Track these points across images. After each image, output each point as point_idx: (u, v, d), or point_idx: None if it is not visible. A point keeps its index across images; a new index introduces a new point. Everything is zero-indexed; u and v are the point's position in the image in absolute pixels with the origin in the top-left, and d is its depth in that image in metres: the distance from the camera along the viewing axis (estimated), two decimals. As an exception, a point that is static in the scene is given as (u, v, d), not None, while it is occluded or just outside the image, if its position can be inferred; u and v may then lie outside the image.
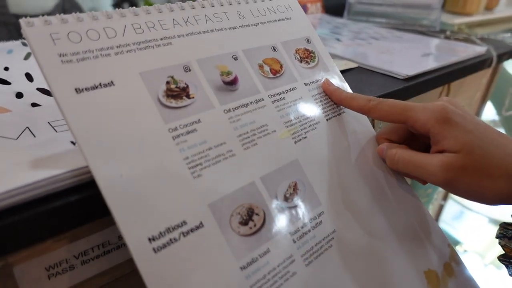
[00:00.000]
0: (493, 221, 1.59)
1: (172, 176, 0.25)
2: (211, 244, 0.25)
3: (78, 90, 0.25)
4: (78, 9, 1.32)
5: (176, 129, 0.27)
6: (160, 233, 0.23)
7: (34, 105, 0.34)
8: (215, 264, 0.25)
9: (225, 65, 0.32)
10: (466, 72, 0.62)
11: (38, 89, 0.36)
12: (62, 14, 0.27)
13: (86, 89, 0.25)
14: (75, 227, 0.26)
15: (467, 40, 0.74)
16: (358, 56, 0.59)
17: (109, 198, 0.23)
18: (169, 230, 0.24)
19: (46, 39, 0.25)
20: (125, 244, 0.23)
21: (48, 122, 0.31)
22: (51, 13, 1.25)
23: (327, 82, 0.37)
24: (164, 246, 0.23)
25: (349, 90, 0.39)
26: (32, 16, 0.24)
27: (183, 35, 0.31)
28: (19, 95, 0.35)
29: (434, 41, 0.72)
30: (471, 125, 0.30)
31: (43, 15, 0.26)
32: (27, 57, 0.42)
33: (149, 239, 0.23)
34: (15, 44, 0.44)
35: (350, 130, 0.37)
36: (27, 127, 0.30)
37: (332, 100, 0.37)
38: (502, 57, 0.69)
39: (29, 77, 0.38)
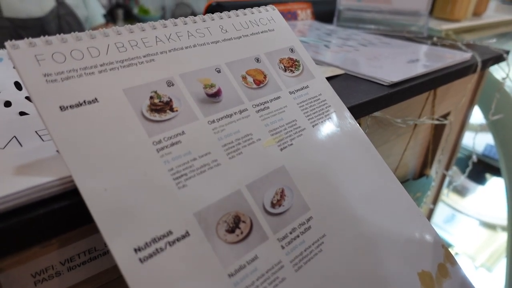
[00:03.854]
0: (484, 224, 1.61)
1: (156, 187, 0.26)
2: (198, 252, 0.26)
3: (62, 108, 0.26)
4: (73, 15, 1.33)
5: (160, 141, 0.28)
6: (146, 243, 0.24)
7: (22, 113, 0.34)
8: (202, 272, 0.25)
9: (208, 78, 0.33)
10: (451, 78, 0.63)
11: (27, 97, 0.37)
12: (46, 36, 0.28)
13: (70, 106, 0.26)
14: (61, 234, 0.27)
15: (453, 46, 0.76)
16: (345, 62, 0.60)
17: (94, 211, 0.23)
18: (155, 240, 0.25)
19: (31, 60, 0.26)
20: (109, 249, 0.23)
21: (36, 131, 0.31)
22: (45, 17, 1.25)
23: None
24: (150, 256, 0.24)
25: (334, 94, 0.40)
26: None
27: (166, 52, 0.32)
28: (8, 104, 0.35)
29: (421, 48, 0.73)
30: None
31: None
32: (16, 65, 0.42)
33: (135, 250, 0.24)
34: (4, 52, 0.44)
35: (337, 134, 0.37)
36: (14, 136, 0.30)
37: None
38: (487, 63, 0.71)
39: (18, 85, 0.38)
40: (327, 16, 0.94)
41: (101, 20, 1.44)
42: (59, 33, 0.28)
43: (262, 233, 0.29)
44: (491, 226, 1.56)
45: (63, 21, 1.26)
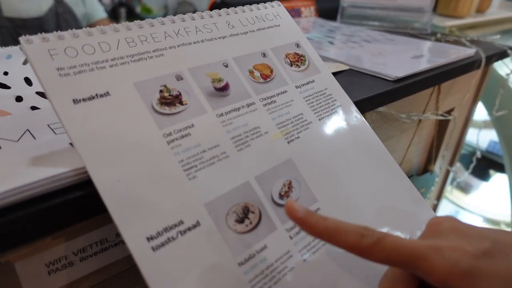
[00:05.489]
0: (488, 220, 1.61)
1: (168, 178, 0.27)
2: (208, 241, 0.26)
3: (75, 101, 0.26)
4: (71, 13, 1.34)
5: (170, 134, 0.28)
6: (158, 232, 0.25)
7: (33, 108, 0.35)
8: (213, 261, 0.26)
9: (216, 73, 0.34)
10: (455, 74, 0.64)
11: (37, 92, 0.38)
12: (59, 32, 0.28)
13: (83, 99, 0.27)
14: (74, 225, 0.27)
15: (457, 42, 0.76)
16: (350, 58, 0.60)
17: (107, 202, 0.24)
18: (166, 229, 0.25)
19: (44, 54, 0.27)
20: (122, 242, 0.24)
21: (48, 125, 0.32)
22: (44, 16, 1.26)
23: (291, 209, 0.25)
24: (163, 244, 0.25)
25: (340, 89, 0.41)
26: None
27: (174, 46, 0.33)
28: (19, 98, 0.36)
29: (425, 44, 0.73)
30: (507, 260, 0.23)
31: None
32: (25, 62, 0.43)
33: (148, 239, 0.24)
34: (14, 49, 0.45)
35: (343, 127, 0.38)
36: (27, 130, 0.31)
37: (306, 232, 0.26)
38: (491, 59, 0.71)
39: (28, 81, 0.39)
40: (331, 13, 0.94)
41: (103, 14, 1.44)
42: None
43: (271, 224, 0.29)
44: (495, 223, 1.56)
45: (61, 19, 1.26)
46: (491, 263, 0.23)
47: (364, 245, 0.24)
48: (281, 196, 0.31)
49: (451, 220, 0.26)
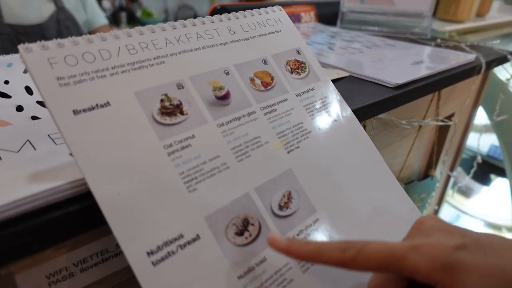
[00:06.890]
0: (489, 224, 1.60)
1: (168, 191, 0.27)
2: (208, 255, 0.26)
3: (76, 112, 0.26)
4: (72, 20, 1.34)
5: (171, 145, 0.28)
6: (158, 246, 0.25)
7: (34, 118, 0.35)
8: (213, 275, 0.26)
9: (217, 81, 0.33)
10: (455, 80, 0.64)
11: (38, 102, 0.38)
12: (58, 39, 0.28)
13: (83, 110, 0.26)
14: (74, 236, 0.27)
15: (457, 47, 0.76)
16: (350, 64, 0.60)
17: (108, 215, 0.24)
18: (166, 243, 0.25)
19: (44, 63, 0.26)
20: (123, 252, 0.24)
21: (48, 135, 0.32)
22: (45, 23, 1.26)
23: (273, 241, 0.27)
24: (163, 259, 0.25)
25: (339, 97, 0.40)
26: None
27: (176, 54, 0.32)
28: (20, 108, 0.36)
29: (425, 49, 0.73)
30: (485, 256, 0.23)
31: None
32: (27, 70, 0.43)
33: (148, 253, 0.24)
34: (14, 57, 0.45)
35: (342, 137, 0.38)
36: (28, 140, 0.31)
37: (292, 258, 0.28)
38: (491, 64, 0.71)
39: (29, 90, 0.39)
40: (330, 18, 0.95)
41: (104, 21, 1.44)
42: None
43: None
44: (496, 227, 1.55)
45: (62, 26, 1.26)
46: (470, 257, 0.23)
47: (347, 257, 0.25)
48: (280, 207, 0.31)
49: (434, 219, 0.27)
